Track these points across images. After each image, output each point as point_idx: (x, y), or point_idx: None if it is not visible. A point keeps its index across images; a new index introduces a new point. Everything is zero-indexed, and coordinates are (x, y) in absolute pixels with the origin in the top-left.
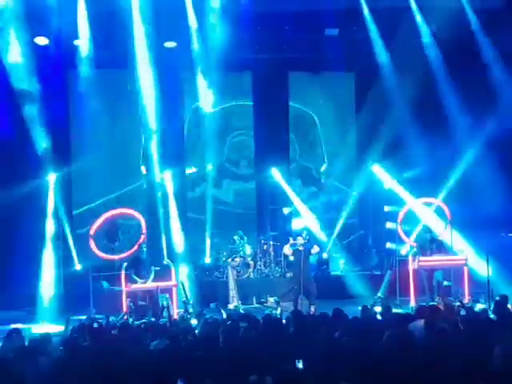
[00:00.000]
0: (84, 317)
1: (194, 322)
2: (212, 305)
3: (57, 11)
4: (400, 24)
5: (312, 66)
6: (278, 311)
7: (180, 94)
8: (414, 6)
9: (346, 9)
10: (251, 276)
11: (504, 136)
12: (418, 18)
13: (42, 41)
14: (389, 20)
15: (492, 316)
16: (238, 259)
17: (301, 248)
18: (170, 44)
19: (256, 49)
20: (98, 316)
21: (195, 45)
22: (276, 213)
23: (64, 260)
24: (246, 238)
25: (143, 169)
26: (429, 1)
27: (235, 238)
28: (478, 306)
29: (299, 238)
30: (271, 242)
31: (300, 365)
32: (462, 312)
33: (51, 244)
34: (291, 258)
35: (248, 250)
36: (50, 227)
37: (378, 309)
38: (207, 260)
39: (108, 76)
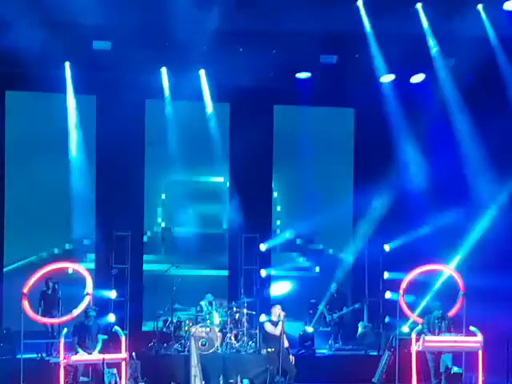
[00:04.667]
0: None
1: None
2: None
3: None
4: (411, 52)
5: (303, 98)
6: None
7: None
8: (428, 33)
9: (347, 32)
10: (219, 351)
11: None
12: (433, 46)
13: None
14: (398, 48)
15: None
16: (203, 329)
17: (282, 317)
18: None
19: (236, 76)
20: None
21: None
22: (252, 275)
23: None
24: (214, 303)
25: None
26: (448, 29)
27: (202, 303)
28: None
29: (277, 306)
30: (245, 311)
31: None
32: None
33: None
34: (277, 333)
35: (216, 318)
36: None
37: None
38: (166, 329)
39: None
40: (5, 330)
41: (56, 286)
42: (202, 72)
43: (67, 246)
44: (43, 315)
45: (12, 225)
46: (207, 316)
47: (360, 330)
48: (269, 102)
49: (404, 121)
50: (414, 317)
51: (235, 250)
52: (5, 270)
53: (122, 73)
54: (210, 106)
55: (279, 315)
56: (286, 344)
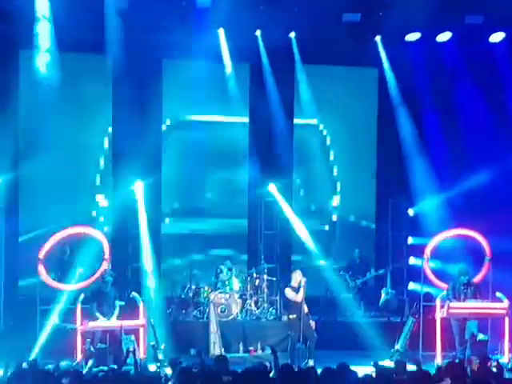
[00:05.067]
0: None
1: (168, 371)
2: (192, 351)
3: None
4: (438, 9)
5: (326, 58)
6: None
7: (159, 86)
8: None
9: None
10: (238, 317)
11: None
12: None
13: None
14: (424, 5)
15: None
16: (222, 296)
17: (303, 283)
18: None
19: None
20: (45, 361)
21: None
22: (272, 240)
23: (5, 287)
24: (234, 269)
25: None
26: None
27: (222, 268)
28: None
29: (297, 271)
30: (265, 277)
31: None
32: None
33: None
34: (298, 300)
35: (236, 284)
36: None
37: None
38: (185, 295)
39: (72, 61)
40: (22, 296)
41: (73, 252)
42: (221, 31)
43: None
44: (60, 281)
45: (27, 188)
46: (226, 282)
47: (383, 296)
48: (290, 61)
49: (430, 81)
50: (438, 283)
51: (255, 214)
52: (22, 238)
53: (139, 31)
54: (229, 66)
55: (300, 281)
56: (306, 310)
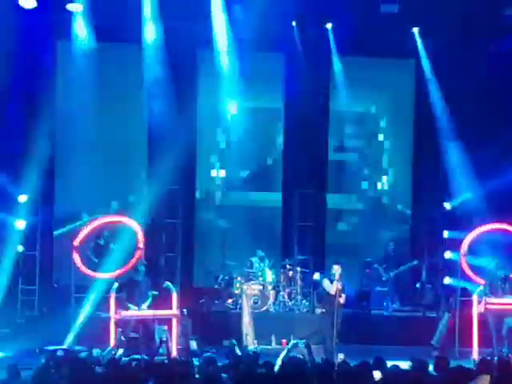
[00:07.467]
0: (61, 347)
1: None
2: (225, 342)
3: None
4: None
5: (363, 49)
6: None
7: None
8: None
9: None
10: (271, 309)
11: None
12: None
13: (28, 3)
14: None
15: None
16: (255, 287)
17: (338, 277)
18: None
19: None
20: (78, 348)
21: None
22: (306, 231)
23: (40, 275)
24: (267, 260)
25: None
26: None
27: (253, 259)
28: None
29: (335, 266)
30: (299, 268)
31: None
32: None
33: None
34: (332, 292)
35: (269, 276)
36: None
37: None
38: (218, 286)
39: (107, 52)
40: (55, 284)
41: (109, 239)
42: None
43: (130, 198)
44: (97, 267)
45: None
46: (259, 273)
47: (418, 290)
48: (326, 51)
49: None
50: (475, 278)
51: (289, 204)
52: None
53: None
54: None
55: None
56: (342, 301)
